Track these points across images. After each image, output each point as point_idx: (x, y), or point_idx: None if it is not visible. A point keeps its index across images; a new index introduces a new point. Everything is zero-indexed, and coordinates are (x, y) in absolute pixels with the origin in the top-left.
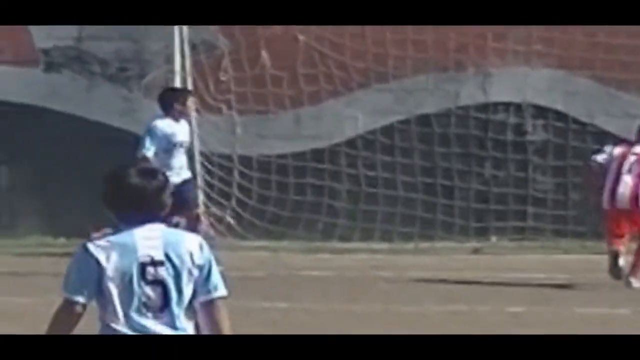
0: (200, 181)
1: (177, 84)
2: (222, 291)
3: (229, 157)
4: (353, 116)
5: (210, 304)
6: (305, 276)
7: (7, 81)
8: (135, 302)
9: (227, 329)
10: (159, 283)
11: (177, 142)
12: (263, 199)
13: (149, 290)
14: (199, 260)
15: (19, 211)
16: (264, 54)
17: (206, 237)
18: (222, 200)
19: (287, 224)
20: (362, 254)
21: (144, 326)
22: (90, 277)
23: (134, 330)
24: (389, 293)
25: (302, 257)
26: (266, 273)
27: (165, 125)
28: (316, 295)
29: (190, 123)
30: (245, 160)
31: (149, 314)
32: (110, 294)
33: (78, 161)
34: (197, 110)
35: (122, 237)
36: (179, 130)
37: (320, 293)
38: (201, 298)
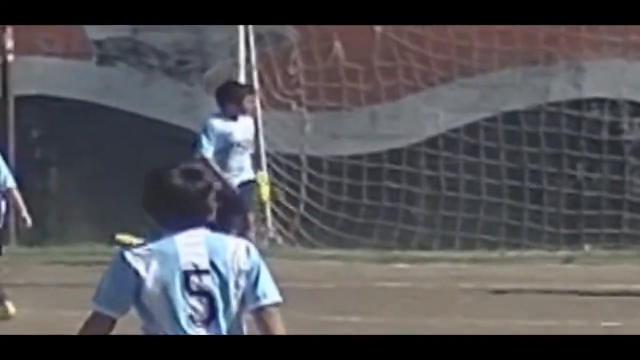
0: None
1: (242, 77)
2: (273, 297)
3: (297, 158)
4: (434, 113)
5: (261, 312)
6: (380, 288)
7: (57, 75)
8: (181, 315)
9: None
10: (205, 294)
11: (234, 142)
12: (334, 204)
13: (194, 301)
14: (245, 266)
15: (69, 216)
16: (337, 45)
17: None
18: (290, 206)
19: (360, 231)
20: (442, 263)
21: None
22: (126, 289)
23: None
24: (472, 306)
25: (376, 267)
26: (337, 285)
27: (221, 123)
28: (392, 309)
29: (256, 121)
30: (315, 162)
31: (199, 327)
32: (151, 307)
33: (133, 162)
34: (263, 106)
35: (162, 245)
36: (237, 129)
37: (397, 306)
38: (250, 306)
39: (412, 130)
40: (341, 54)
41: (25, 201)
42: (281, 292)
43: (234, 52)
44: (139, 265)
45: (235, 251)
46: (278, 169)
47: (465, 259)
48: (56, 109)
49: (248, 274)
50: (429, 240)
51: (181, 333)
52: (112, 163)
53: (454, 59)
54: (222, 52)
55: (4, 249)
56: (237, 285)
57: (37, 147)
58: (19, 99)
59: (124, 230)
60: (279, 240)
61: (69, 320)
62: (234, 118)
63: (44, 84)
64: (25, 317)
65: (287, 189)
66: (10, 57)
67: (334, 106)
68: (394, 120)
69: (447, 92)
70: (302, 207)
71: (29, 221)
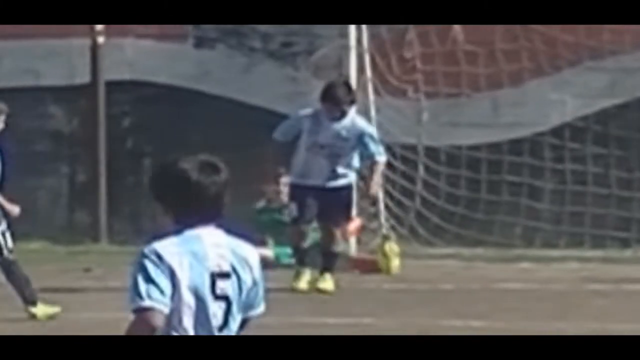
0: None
1: (352, 61)
2: (262, 308)
3: (413, 149)
4: (560, 100)
5: (248, 321)
6: (503, 289)
7: (151, 59)
8: (207, 321)
9: None
10: (225, 299)
11: (317, 144)
12: (452, 198)
13: (216, 306)
14: (257, 275)
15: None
16: (457, 26)
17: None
18: (405, 200)
19: (480, 228)
20: (570, 263)
21: None
22: (167, 285)
23: None
24: (603, 310)
25: (498, 267)
26: (456, 286)
27: (308, 117)
28: (516, 313)
29: (369, 108)
30: (432, 153)
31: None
32: (182, 310)
33: (235, 153)
34: (377, 92)
35: (190, 242)
36: (323, 130)
37: (521, 310)
38: (249, 314)
39: (536, 118)
40: (460, 36)
41: (117, 196)
42: (394, 293)
43: (344, 33)
44: (175, 263)
45: (254, 258)
46: (392, 160)
47: (595, 258)
48: (149, 96)
49: (257, 284)
50: (555, 238)
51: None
52: (210, 153)
53: (583, 41)
54: (331, 34)
55: (95, 246)
56: (248, 294)
57: (129, 137)
58: (109, 85)
59: (226, 227)
60: (392, 237)
61: None
62: (324, 118)
63: (136, 69)
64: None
65: (402, 181)
66: (100, 39)
67: (453, 92)
68: (517, 108)
69: (575, 77)
70: (418, 201)
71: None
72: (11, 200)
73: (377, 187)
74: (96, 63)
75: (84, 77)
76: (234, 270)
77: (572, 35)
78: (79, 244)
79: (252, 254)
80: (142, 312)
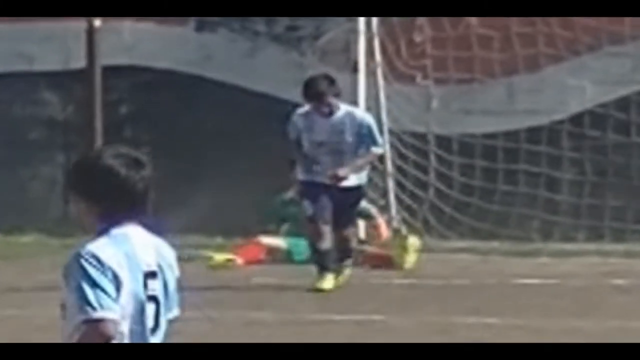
0: (390, 167)
1: (361, 46)
2: (177, 310)
3: (423, 137)
4: (579, 87)
5: (171, 323)
6: (519, 285)
7: (150, 43)
8: (142, 324)
9: None
10: (154, 299)
11: (315, 142)
12: (466, 189)
13: (149, 308)
14: (176, 275)
15: (164, 204)
16: None
17: None
18: (418, 191)
19: (496, 220)
20: (590, 257)
21: None
22: (114, 292)
23: None
24: (625, 306)
25: (515, 261)
26: (471, 281)
27: (301, 116)
28: (534, 309)
29: (377, 95)
30: (445, 142)
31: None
32: (122, 315)
33: (238, 141)
34: (385, 79)
35: (122, 242)
36: (320, 127)
37: (539, 306)
38: (169, 315)
39: (554, 105)
40: (473, 19)
41: None
42: (405, 289)
43: (352, 17)
44: (114, 265)
45: (173, 257)
46: (403, 149)
47: (616, 252)
48: (148, 82)
49: (175, 284)
50: (574, 231)
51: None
52: (213, 143)
53: (603, 25)
54: (338, 17)
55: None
56: (171, 295)
57: (127, 125)
58: (106, 70)
59: (228, 220)
60: (404, 230)
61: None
62: (319, 114)
63: (134, 53)
64: None
65: (414, 172)
66: (97, 22)
67: (466, 79)
68: (534, 95)
69: (595, 62)
70: (431, 192)
71: None
72: (3, 191)
73: (349, 171)
74: (92, 47)
75: (79, 62)
76: (160, 269)
77: (592, 18)
78: (74, 237)
79: (171, 253)
80: (94, 324)
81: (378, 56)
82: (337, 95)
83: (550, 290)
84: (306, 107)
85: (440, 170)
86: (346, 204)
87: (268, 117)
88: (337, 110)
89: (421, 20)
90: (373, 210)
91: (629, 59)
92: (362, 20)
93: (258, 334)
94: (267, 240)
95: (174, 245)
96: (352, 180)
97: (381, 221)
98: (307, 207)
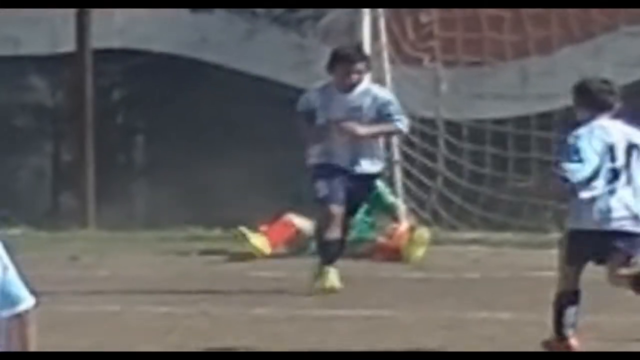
0: (397, 154)
1: (366, 27)
2: (30, 301)
3: (432, 123)
4: (595, 69)
5: (17, 319)
6: (533, 278)
7: (143, 25)
8: None
9: (32, 347)
10: None
11: (331, 120)
12: (476, 177)
13: None
14: (5, 260)
15: (161, 194)
16: None
17: None
18: (426, 179)
19: (508, 210)
20: None
21: None
22: None
23: None
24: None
25: (528, 253)
26: (482, 274)
27: (317, 91)
28: (548, 304)
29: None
30: (453, 127)
31: None
32: None
33: (236, 127)
34: (391, 61)
35: None
36: (337, 103)
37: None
38: (5, 312)
39: (568, 89)
40: None
41: (106, 176)
42: (414, 283)
43: None
44: None
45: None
46: (410, 135)
47: None
48: (141, 65)
49: (6, 270)
50: None
51: None
52: (211, 129)
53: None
54: None
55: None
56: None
57: (120, 112)
58: (97, 54)
59: (226, 210)
60: (412, 221)
61: (165, 316)
62: (339, 89)
63: (127, 35)
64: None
65: (421, 159)
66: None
67: (475, 61)
68: (547, 78)
69: (611, 44)
70: (439, 181)
71: None
72: None
73: (366, 131)
74: (82, 29)
75: (69, 45)
76: None
77: None
78: (64, 230)
79: None
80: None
81: (383, 37)
82: (368, 66)
83: None
84: (321, 83)
85: (449, 157)
86: (357, 194)
87: (267, 102)
88: (358, 86)
89: None
90: (401, 210)
91: None
92: None
93: (262, 330)
94: (297, 220)
95: (171, 238)
96: (370, 165)
97: (405, 223)
98: (321, 187)
